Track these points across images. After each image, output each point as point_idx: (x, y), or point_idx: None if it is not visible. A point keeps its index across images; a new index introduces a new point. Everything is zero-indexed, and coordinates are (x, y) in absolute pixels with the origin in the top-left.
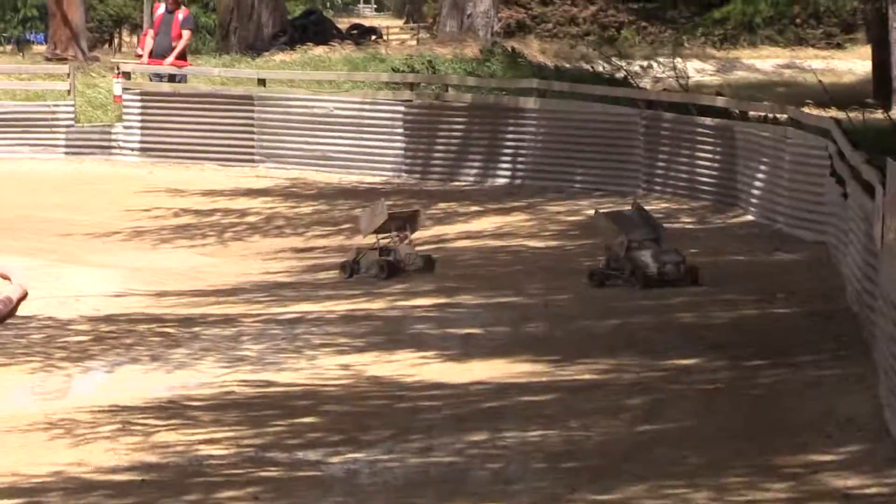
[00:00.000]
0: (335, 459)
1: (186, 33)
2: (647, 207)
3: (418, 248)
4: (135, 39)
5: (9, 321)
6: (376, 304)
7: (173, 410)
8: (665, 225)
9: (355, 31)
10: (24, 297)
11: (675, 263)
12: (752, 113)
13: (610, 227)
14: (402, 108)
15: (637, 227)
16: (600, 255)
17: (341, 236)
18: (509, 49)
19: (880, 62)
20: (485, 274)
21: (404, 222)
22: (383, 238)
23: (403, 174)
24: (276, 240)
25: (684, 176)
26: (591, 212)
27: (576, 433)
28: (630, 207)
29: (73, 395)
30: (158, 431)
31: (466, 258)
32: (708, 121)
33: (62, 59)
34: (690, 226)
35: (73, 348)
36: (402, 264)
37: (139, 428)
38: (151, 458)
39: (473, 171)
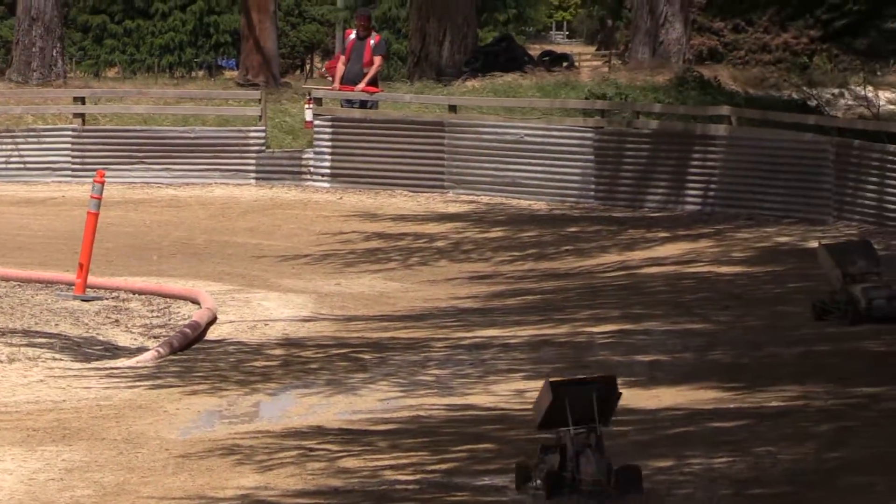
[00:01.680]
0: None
1: (378, 59)
2: (835, 235)
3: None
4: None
5: (197, 345)
6: (561, 330)
7: (359, 435)
8: None
9: (547, 58)
10: (212, 321)
11: (886, 299)
12: None
13: (828, 259)
14: (592, 135)
15: (859, 260)
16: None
17: (529, 261)
18: (701, 76)
19: None
20: (671, 300)
21: None
22: None
23: (593, 200)
24: (464, 265)
25: (874, 203)
26: (815, 243)
27: (763, 460)
28: (858, 240)
29: (259, 419)
30: (343, 456)
31: (653, 284)
32: None
33: (254, 85)
34: (880, 253)
35: (261, 372)
36: None
37: (324, 453)
38: (336, 482)
39: (663, 198)
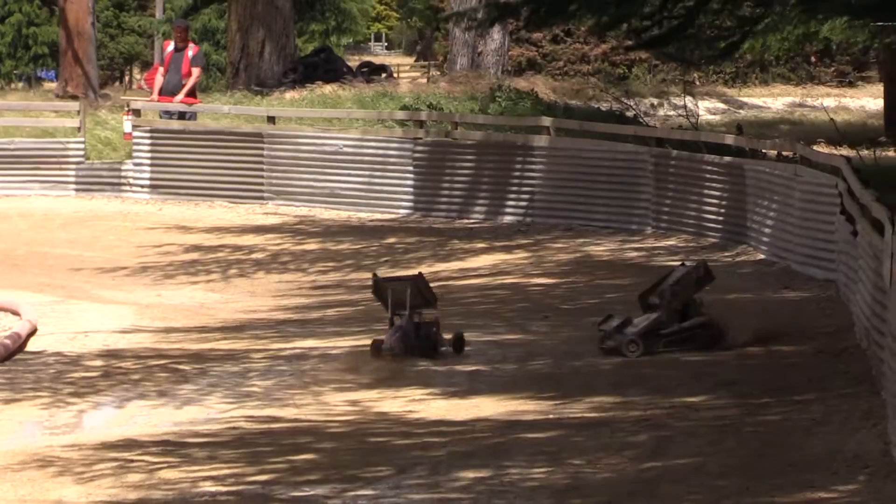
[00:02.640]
0: (340, 496)
1: (196, 70)
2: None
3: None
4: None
5: (18, 356)
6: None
7: (179, 446)
8: (674, 263)
9: (366, 69)
10: (33, 332)
11: (613, 330)
12: (762, 151)
13: None
14: (411, 146)
15: (661, 287)
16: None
17: (347, 272)
18: (519, 87)
19: (892, 99)
20: (489, 311)
21: None
22: None
23: (412, 211)
24: (283, 276)
25: (693, 213)
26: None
27: (581, 470)
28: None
29: (80, 430)
30: (164, 468)
31: (469, 296)
32: (717, 158)
33: (73, 97)
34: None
35: (82, 384)
36: None
37: (145, 464)
38: (156, 494)
39: (483, 209)
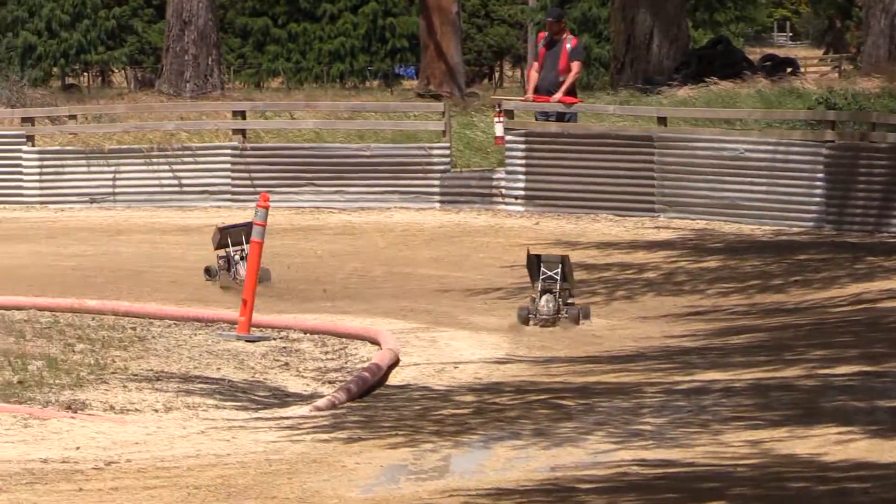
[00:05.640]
0: None
1: (575, 66)
2: None
3: None
4: (518, 73)
5: (378, 391)
6: (791, 372)
7: (560, 493)
8: None
9: (768, 63)
10: (395, 363)
11: None
12: None
13: None
14: (822, 150)
15: None
16: None
17: (752, 295)
18: None
19: None
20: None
21: None
22: None
23: (824, 224)
24: (678, 299)
25: None
26: None
27: None
28: None
29: (450, 474)
30: None
31: (893, 319)
32: None
33: (436, 96)
34: None
35: (451, 422)
36: None
37: None
38: None
39: None
